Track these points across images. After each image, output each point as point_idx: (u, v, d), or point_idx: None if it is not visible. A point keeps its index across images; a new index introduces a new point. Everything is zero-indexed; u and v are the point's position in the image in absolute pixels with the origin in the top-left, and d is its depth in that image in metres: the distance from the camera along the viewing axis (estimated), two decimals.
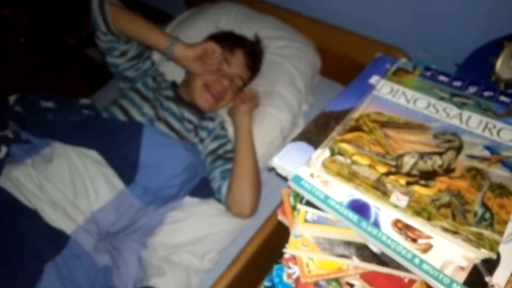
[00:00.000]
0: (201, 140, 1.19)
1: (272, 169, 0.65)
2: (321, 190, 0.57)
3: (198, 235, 1.07)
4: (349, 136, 0.61)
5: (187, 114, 1.20)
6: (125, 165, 1.03)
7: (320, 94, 1.38)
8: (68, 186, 0.98)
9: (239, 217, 1.10)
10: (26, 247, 0.87)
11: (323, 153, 0.60)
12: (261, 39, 1.31)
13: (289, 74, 1.28)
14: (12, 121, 1.07)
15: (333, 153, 0.59)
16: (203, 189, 1.14)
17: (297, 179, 0.59)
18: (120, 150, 1.03)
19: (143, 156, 1.02)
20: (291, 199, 0.67)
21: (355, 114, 0.65)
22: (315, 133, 0.66)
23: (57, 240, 0.91)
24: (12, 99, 1.09)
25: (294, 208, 0.65)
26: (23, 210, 0.91)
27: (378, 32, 1.32)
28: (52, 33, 2.83)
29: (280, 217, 0.68)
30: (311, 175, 0.59)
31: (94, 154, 1.03)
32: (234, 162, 1.10)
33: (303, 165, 0.60)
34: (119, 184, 1.02)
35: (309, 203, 0.59)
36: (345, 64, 1.42)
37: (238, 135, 1.13)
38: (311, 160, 0.59)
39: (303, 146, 0.64)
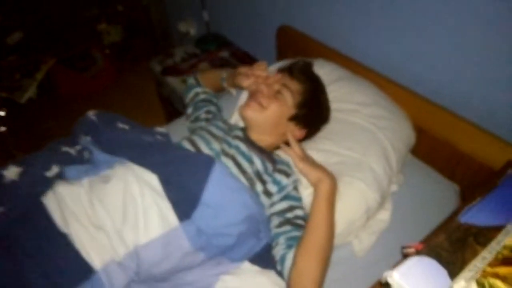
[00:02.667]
0: (269, 195, 1.07)
1: (386, 285, 0.51)
2: None
3: None
4: (503, 270, 0.47)
5: (256, 158, 1.10)
6: (184, 200, 0.94)
7: (410, 175, 1.23)
8: (119, 211, 0.90)
9: None
10: (41, 274, 0.80)
11: (468, 287, 0.45)
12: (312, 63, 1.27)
13: (382, 147, 1.15)
14: (86, 135, 1.07)
15: None
16: (265, 257, 1.01)
17: None
18: (185, 181, 0.95)
19: (206, 193, 0.93)
20: None
21: (509, 241, 0.50)
22: (448, 250, 0.52)
23: (80, 271, 0.82)
24: (92, 113, 1.11)
25: None
26: (54, 232, 0.85)
27: (492, 122, 1.17)
28: (139, 54, 2.96)
29: None
30: None
31: (154, 181, 0.95)
32: (305, 232, 0.96)
33: None
34: (173, 219, 0.92)
35: None
36: (441, 147, 1.28)
37: (316, 201, 1.00)
38: None
39: (431, 264, 0.51)
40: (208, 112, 1.33)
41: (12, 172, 0.96)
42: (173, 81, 2.04)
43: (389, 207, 1.13)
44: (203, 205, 0.93)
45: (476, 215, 0.57)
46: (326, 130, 1.22)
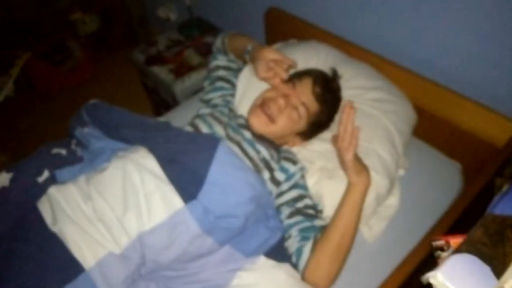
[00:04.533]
0: (276, 183, 1.05)
1: (428, 285, 0.50)
2: None
3: None
4: None
5: (260, 146, 1.08)
6: (189, 181, 0.91)
7: (413, 156, 1.23)
8: (119, 200, 0.87)
9: (314, 287, 0.95)
10: (29, 276, 0.79)
11: None
12: (340, 76, 1.18)
13: (387, 132, 1.13)
14: (83, 126, 1.07)
15: None
16: (280, 250, 0.99)
17: None
18: (190, 161, 0.93)
19: (212, 172, 0.91)
20: None
21: None
22: (488, 245, 0.51)
23: (68, 270, 0.80)
24: (92, 100, 1.10)
25: None
26: (45, 233, 0.83)
27: (493, 98, 1.16)
28: (117, 43, 2.84)
29: None
30: None
31: (155, 167, 0.92)
32: (330, 228, 0.95)
33: None
34: (178, 201, 0.89)
35: None
36: (442, 126, 1.28)
37: (346, 199, 0.97)
38: None
39: (474, 261, 0.49)
40: (223, 97, 1.25)
41: (2, 179, 0.93)
42: (159, 71, 1.96)
43: (397, 192, 1.12)
44: (209, 184, 0.91)
45: (509, 205, 0.56)
46: None
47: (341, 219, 0.95)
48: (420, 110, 1.28)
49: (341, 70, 1.27)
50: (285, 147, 1.15)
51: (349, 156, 0.94)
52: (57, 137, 1.09)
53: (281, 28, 1.68)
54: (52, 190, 0.90)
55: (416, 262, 0.81)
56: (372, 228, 1.09)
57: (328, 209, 1.04)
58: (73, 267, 0.80)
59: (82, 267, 0.80)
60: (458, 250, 0.51)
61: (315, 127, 1.12)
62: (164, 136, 0.98)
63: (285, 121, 1.07)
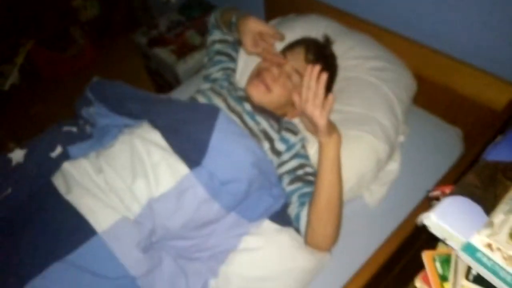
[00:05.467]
0: (277, 153, 1.08)
1: (422, 226, 0.53)
2: (507, 270, 0.44)
3: (275, 268, 0.96)
4: None
5: (259, 117, 1.11)
6: (192, 149, 0.95)
7: (413, 124, 1.24)
8: (128, 170, 0.92)
9: (317, 250, 0.99)
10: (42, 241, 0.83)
11: (507, 220, 0.47)
12: (332, 42, 1.20)
13: (386, 99, 1.15)
14: (88, 105, 1.09)
15: None
16: (284, 215, 1.03)
17: (470, 249, 0.46)
18: (192, 130, 0.97)
19: (214, 139, 0.95)
20: (438, 265, 0.54)
21: None
22: (480, 188, 0.53)
23: (81, 233, 0.83)
24: (95, 78, 1.13)
25: (443, 278, 0.52)
26: (59, 202, 0.87)
27: (492, 62, 1.17)
28: (119, 28, 2.85)
29: (420, 285, 0.55)
30: (489, 246, 0.46)
31: (160, 139, 0.97)
32: (315, 193, 0.96)
33: (475, 231, 0.47)
34: (183, 168, 0.93)
35: (479, 280, 0.47)
36: (441, 93, 1.29)
37: (323, 161, 0.97)
38: (493, 227, 0.46)
39: (466, 202, 0.52)
40: (223, 70, 1.27)
41: (18, 155, 0.97)
42: (161, 52, 1.98)
43: (397, 157, 1.15)
44: (212, 150, 0.94)
45: (502, 152, 0.58)
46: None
47: (322, 181, 0.94)
48: (419, 78, 1.29)
49: (341, 42, 1.28)
50: (285, 118, 1.17)
51: (322, 122, 0.91)
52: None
53: (280, 3, 1.68)
54: (66, 165, 0.94)
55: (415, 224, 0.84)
56: (373, 194, 1.12)
57: None
58: (86, 231, 0.83)
59: (95, 230, 0.83)
60: (451, 193, 0.53)
61: None
62: (165, 107, 1.02)
63: (280, 89, 1.10)
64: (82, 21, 2.70)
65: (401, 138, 1.17)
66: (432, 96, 1.31)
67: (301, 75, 1.08)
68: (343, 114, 1.13)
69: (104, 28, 2.84)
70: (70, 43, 2.65)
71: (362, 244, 1.04)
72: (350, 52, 1.28)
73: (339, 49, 1.26)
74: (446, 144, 1.23)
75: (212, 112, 1.00)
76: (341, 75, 1.22)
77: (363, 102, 1.14)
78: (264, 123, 1.10)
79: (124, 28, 2.86)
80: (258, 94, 1.10)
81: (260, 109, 1.13)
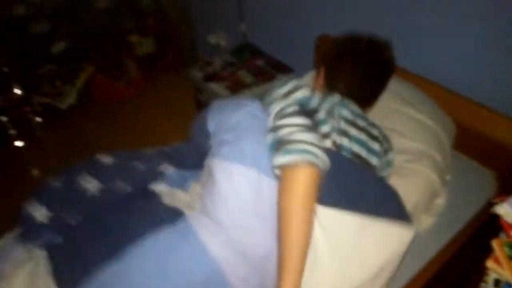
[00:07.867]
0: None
1: (493, 215, 0.67)
2: None
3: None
4: None
5: None
6: None
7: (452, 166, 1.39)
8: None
9: None
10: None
11: None
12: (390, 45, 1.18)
13: (438, 139, 1.30)
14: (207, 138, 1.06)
15: None
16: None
17: None
18: None
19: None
20: (506, 249, 0.68)
21: None
22: None
23: (168, 215, 0.91)
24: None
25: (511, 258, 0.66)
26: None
27: None
28: (168, 64, 3.12)
29: (491, 265, 0.69)
30: None
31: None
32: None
33: None
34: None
35: None
36: (477, 138, 1.45)
37: None
38: None
39: None
40: None
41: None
42: (216, 87, 2.19)
43: (444, 193, 1.28)
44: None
45: None
46: (390, 126, 1.30)
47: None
48: (457, 124, 1.45)
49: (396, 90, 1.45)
50: None
51: None
52: (114, 142, 1.16)
53: None
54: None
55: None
56: (421, 222, 1.23)
57: None
58: (174, 213, 0.92)
59: (182, 211, 0.92)
60: None
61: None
62: None
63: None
64: (137, 55, 2.98)
65: (448, 177, 1.32)
66: (467, 141, 1.47)
67: None
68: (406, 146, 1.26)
69: (154, 64, 3.12)
70: (124, 73, 2.90)
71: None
72: (398, 95, 1.46)
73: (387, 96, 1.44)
74: (480, 185, 1.36)
75: None
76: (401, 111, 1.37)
77: (421, 140, 1.28)
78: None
79: (171, 65, 3.15)
80: None
81: None
